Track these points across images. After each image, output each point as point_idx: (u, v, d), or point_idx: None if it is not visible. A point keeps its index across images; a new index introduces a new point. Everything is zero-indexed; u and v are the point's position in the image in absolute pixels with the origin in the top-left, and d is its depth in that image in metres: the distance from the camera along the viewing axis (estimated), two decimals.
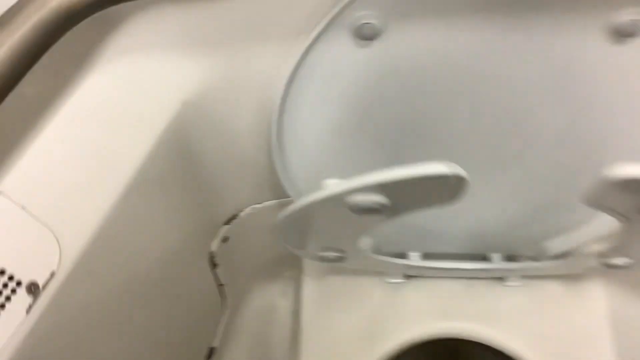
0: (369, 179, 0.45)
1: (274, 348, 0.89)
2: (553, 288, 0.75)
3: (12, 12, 0.39)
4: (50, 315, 0.46)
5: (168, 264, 0.65)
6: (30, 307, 0.45)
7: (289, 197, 0.65)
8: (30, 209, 0.45)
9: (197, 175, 0.65)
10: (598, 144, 0.58)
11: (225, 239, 0.76)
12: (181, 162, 0.61)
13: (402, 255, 0.73)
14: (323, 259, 0.64)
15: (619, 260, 0.61)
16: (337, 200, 0.47)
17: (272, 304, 0.91)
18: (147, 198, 0.55)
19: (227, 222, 0.75)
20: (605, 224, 0.60)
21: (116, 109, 0.52)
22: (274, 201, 0.74)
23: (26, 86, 0.41)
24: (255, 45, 0.53)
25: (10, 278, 0.44)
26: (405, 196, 0.46)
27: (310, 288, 0.78)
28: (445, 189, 0.45)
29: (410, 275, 0.76)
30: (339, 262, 0.65)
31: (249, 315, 0.91)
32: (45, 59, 0.42)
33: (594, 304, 0.74)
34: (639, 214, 0.47)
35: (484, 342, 0.73)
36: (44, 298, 0.45)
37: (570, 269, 0.67)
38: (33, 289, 0.45)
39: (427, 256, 0.73)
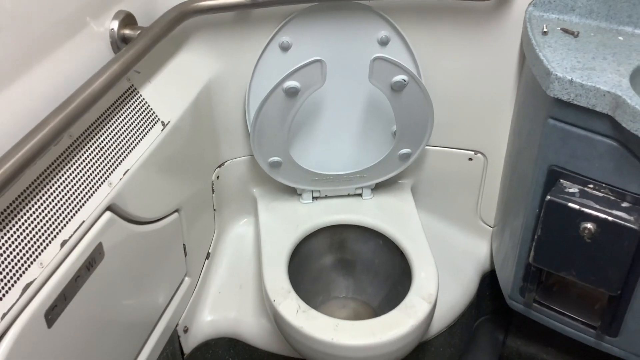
0: (288, 71, 1.18)
1: (243, 255, 1.51)
2: (387, 197, 1.46)
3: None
4: (166, 136, 1.13)
5: (197, 169, 1.32)
6: (162, 130, 1.12)
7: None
8: (159, 95, 1.15)
9: (210, 128, 1.35)
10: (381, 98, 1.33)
11: (217, 177, 1.43)
12: (204, 114, 1.31)
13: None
14: (270, 165, 1.33)
15: (404, 150, 1.35)
16: (278, 86, 1.19)
17: (241, 232, 1.55)
18: (194, 120, 1.25)
19: (219, 166, 1.43)
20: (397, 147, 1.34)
21: (183, 71, 1.24)
22: (243, 158, 1.43)
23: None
24: (237, 54, 1.29)
25: (154, 117, 1.12)
26: (305, 79, 1.19)
27: (263, 212, 1.44)
28: (319, 70, 1.18)
29: (315, 197, 1.44)
30: (278, 168, 1.34)
31: (229, 236, 1.54)
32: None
33: (409, 206, 1.45)
34: (390, 89, 1.22)
35: (354, 224, 1.41)
36: (166, 129, 1.12)
37: (388, 168, 1.39)
38: (162, 124, 1.13)
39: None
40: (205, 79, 1.29)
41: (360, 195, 1.46)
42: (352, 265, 1.47)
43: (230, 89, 1.33)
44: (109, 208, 0.98)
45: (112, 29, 1.06)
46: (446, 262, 1.46)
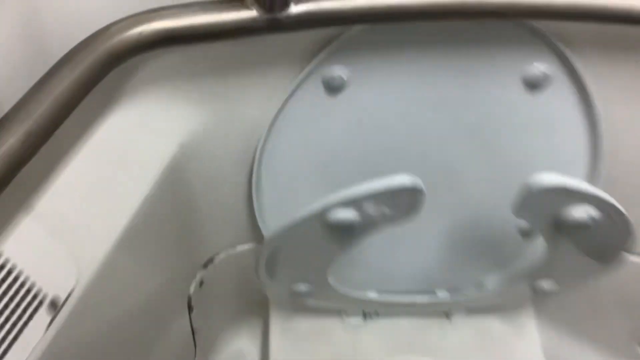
0: (344, 194, 0.55)
1: None
2: (493, 324, 0.85)
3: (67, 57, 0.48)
4: (65, 332, 0.51)
5: (151, 304, 0.71)
6: (49, 324, 0.50)
7: (262, 241, 0.74)
8: (54, 233, 0.52)
9: (185, 217, 0.73)
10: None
11: (201, 283, 0.82)
12: (173, 204, 0.68)
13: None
14: (293, 294, 0.72)
15: (546, 284, 0.72)
16: (316, 217, 0.56)
17: (241, 349, 0.96)
18: (144, 235, 0.63)
19: (205, 266, 0.82)
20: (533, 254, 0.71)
21: (121, 150, 0.60)
22: (247, 246, 0.82)
23: None
24: (242, 95, 0.63)
25: (34, 297, 0.50)
26: (373, 210, 0.56)
27: (277, 333, 0.85)
28: (407, 200, 0.55)
29: (367, 315, 0.84)
30: (306, 297, 0.73)
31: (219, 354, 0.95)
32: None
33: (530, 340, 0.84)
34: (555, 227, 0.58)
35: None
36: (61, 316, 0.51)
37: (506, 298, 0.78)
38: (53, 307, 0.51)
39: (382, 292, 0.81)
40: (170, 152, 0.65)
41: (446, 315, 0.85)
42: None
43: (225, 155, 0.69)
44: None
45: None
46: None
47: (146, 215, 0.62)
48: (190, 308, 0.82)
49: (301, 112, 0.64)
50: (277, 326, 0.85)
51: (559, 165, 0.68)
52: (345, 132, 0.65)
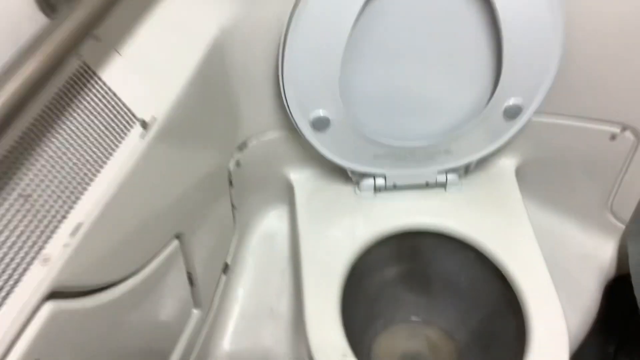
0: None
1: (274, 263, 1.10)
2: (482, 192, 1.01)
3: None
4: (152, 141, 0.67)
5: (202, 173, 0.88)
6: (143, 134, 0.66)
7: (290, 127, 0.89)
8: (137, 72, 0.68)
9: (224, 98, 0.89)
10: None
11: (238, 164, 0.98)
12: (215, 83, 0.84)
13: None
14: (314, 124, 0.87)
15: (513, 101, 0.87)
16: None
17: (272, 227, 1.14)
18: (199, 93, 0.79)
19: (240, 149, 0.98)
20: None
21: (177, 23, 0.76)
22: (278, 132, 0.97)
23: None
24: None
25: (132, 116, 0.66)
26: None
27: (303, 209, 1.01)
28: None
29: (378, 189, 1.00)
30: (325, 130, 0.88)
31: (254, 236, 1.13)
32: None
33: (514, 202, 1.00)
34: None
35: (433, 231, 0.97)
36: (151, 132, 0.67)
37: (485, 134, 0.93)
38: (144, 125, 0.67)
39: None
40: (213, 33, 0.82)
41: (443, 186, 1.02)
42: (427, 280, 1.05)
43: (256, 39, 0.86)
44: (51, 296, 0.56)
45: None
46: (556, 269, 1.03)
47: (199, 81, 0.78)
48: (230, 183, 0.98)
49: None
50: (303, 206, 1.01)
51: None
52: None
